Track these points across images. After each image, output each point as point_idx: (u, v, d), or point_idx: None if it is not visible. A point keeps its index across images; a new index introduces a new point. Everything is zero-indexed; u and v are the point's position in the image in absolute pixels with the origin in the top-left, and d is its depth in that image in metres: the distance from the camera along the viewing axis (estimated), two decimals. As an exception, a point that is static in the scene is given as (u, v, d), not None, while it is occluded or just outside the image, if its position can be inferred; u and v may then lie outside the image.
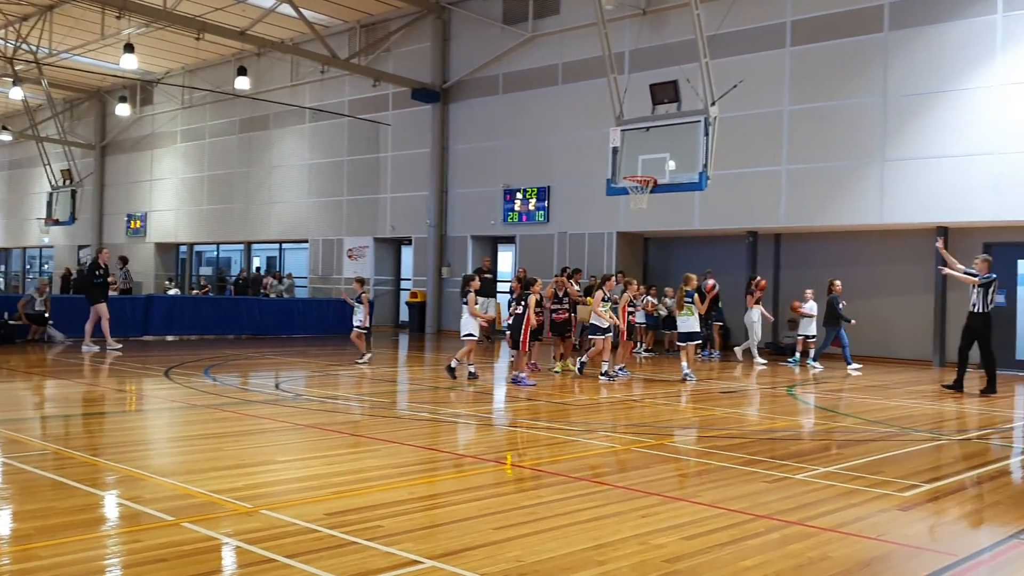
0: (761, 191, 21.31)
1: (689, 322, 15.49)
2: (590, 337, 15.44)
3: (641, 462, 8.17)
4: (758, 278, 20.07)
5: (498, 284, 24.95)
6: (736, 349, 20.19)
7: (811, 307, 19.28)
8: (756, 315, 19.58)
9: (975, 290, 14.29)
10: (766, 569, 4.99)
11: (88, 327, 18.90)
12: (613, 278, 15.96)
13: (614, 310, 15.52)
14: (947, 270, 15.14)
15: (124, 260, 30.63)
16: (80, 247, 43.21)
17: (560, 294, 16.29)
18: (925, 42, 19.28)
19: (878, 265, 21.01)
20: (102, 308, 18.95)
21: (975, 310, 14.30)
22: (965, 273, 14.57)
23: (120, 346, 18.95)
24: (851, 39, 20.23)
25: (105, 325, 18.95)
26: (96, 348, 18.52)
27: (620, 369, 15.77)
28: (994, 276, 14.38)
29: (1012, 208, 18.07)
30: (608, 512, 6.17)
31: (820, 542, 5.55)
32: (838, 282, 18.50)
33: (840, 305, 18.23)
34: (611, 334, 15.23)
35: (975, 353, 14.53)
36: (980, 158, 18.46)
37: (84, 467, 7.30)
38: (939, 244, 15.41)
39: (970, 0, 18.73)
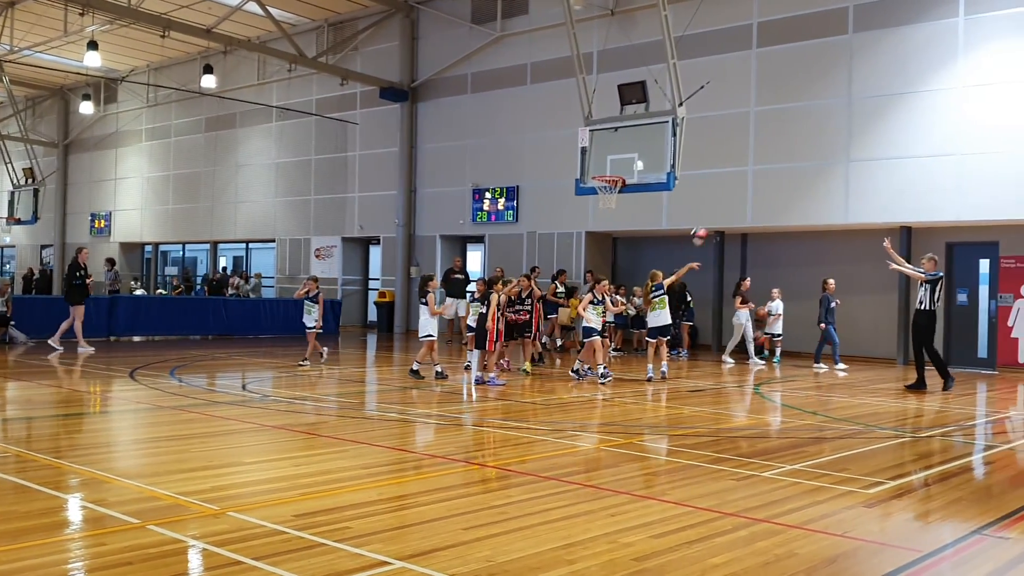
0: (728, 191, 21.45)
1: (660, 316, 15.24)
2: (583, 340, 15.14)
3: (610, 461, 8.20)
4: (747, 279, 19.78)
5: (470, 284, 24.88)
6: (752, 360, 19.45)
7: (777, 306, 19.44)
8: (744, 316, 19.29)
9: (922, 287, 14.53)
10: (734, 566, 5.03)
11: (64, 326, 18.83)
12: (605, 281, 15.62)
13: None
14: (895, 266, 15.34)
15: (111, 262, 30.44)
16: (43, 247, 42.69)
17: (524, 295, 16.09)
18: (889, 44, 19.49)
19: (843, 264, 21.19)
20: (80, 309, 18.87)
21: (921, 307, 14.63)
22: (914, 270, 14.82)
23: (92, 349, 18.76)
24: (816, 41, 20.41)
25: (77, 326, 18.86)
26: (62, 349, 18.32)
27: (589, 369, 15.67)
28: (940, 274, 14.67)
29: (974, 208, 18.32)
30: (577, 511, 6.18)
31: (787, 539, 5.59)
32: (831, 281, 18.45)
33: (832, 304, 18.18)
34: (605, 335, 15.01)
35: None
36: (942, 159, 18.70)
37: (47, 470, 7.21)
38: (886, 243, 15.53)
39: (932, 3, 18.96)
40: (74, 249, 20.82)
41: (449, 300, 22.24)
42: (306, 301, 17.01)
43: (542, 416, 11.23)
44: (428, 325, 14.55)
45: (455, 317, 22.92)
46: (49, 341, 18.46)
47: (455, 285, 23.16)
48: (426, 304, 14.55)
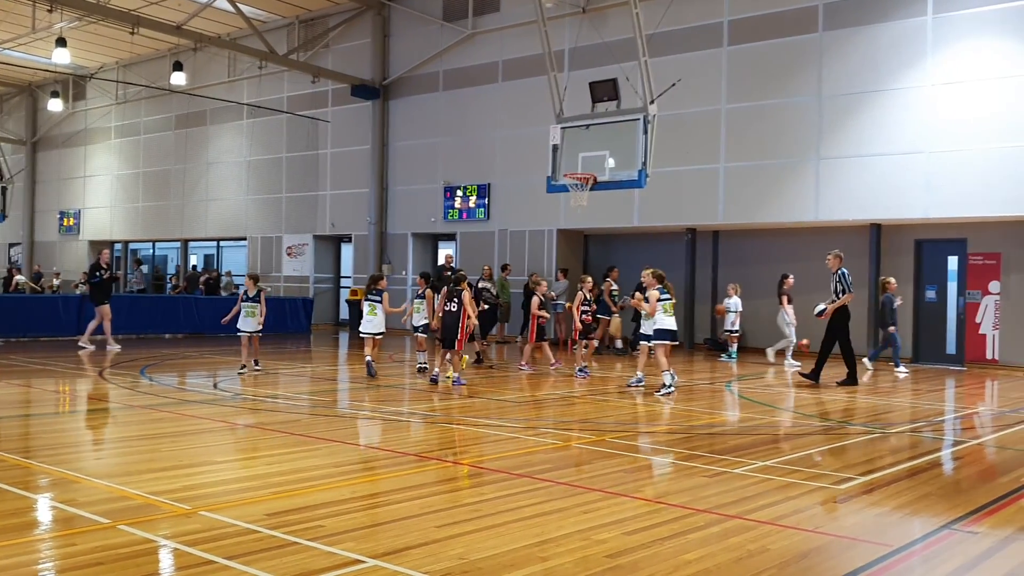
0: (699, 189, 21.55)
1: (669, 320, 13.34)
2: (652, 343, 13.39)
3: (583, 458, 8.21)
4: (789, 277, 18.67)
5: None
6: (768, 350, 18.85)
7: (735, 303, 19.49)
8: (790, 314, 18.36)
9: (835, 285, 14.79)
10: (706, 562, 5.05)
11: (91, 326, 18.97)
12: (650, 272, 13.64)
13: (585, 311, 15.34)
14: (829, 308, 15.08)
15: (139, 262, 30.25)
16: (11, 245, 42.21)
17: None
18: (858, 42, 19.65)
19: (814, 261, 21.22)
20: (103, 309, 18.92)
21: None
22: (834, 300, 14.75)
23: (119, 347, 18.92)
24: (787, 39, 20.55)
25: (106, 324, 18.95)
26: (92, 348, 18.47)
27: (580, 370, 15.33)
28: (844, 271, 14.85)
29: (942, 206, 18.51)
30: (550, 508, 6.19)
31: (759, 535, 5.62)
32: (892, 280, 17.52)
33: (896, 303, 17.26)
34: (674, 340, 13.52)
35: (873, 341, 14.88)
36: (912, 157, 18.87)
37: (16, 470, 7.13)
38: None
39: (901, 2, 19.13)
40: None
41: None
42: (246, 303, 14.80)
43: (515, 413, 11.24)
44: (382, 323, 14.55)
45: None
46: (79, 344, 18.64)
47: (447, 283, 22.71)
48: (379, 302, 14.49)
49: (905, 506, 6.61)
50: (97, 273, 19.11)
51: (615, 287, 19.92)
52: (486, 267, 22.18)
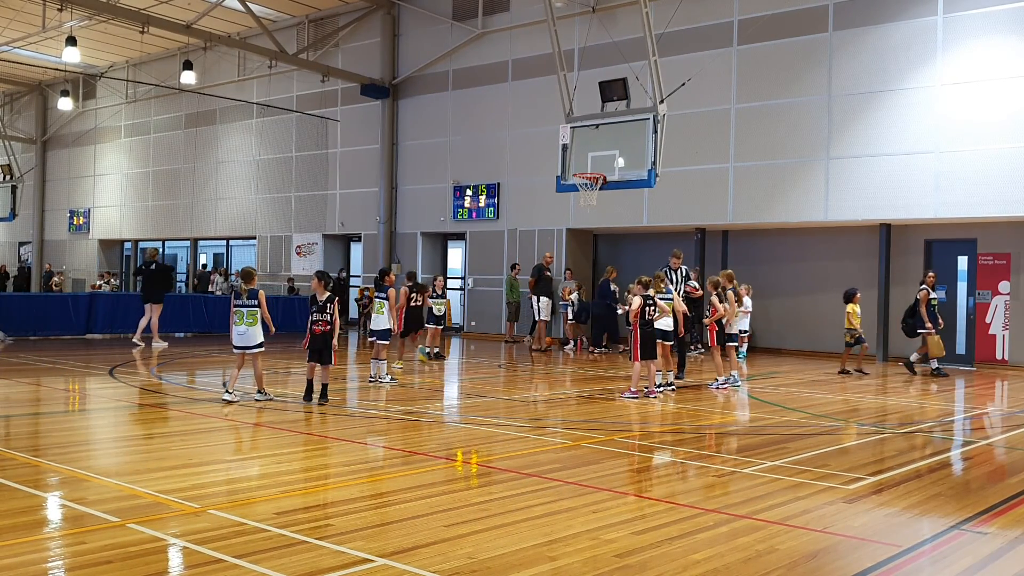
0: (709, 188, 21.50)
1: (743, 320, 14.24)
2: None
3: (591, 458, 8.21)
4: None
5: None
6: None
7: (745, 303, 19.44)
8: None
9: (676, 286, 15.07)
10: (715, 562, 5.05)
11: (143, 324, 19.44)
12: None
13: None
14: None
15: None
16: (21, 243, 42.37)
17: (322, 300, 11.55)
18: (868, 42, 19.58)
19: (823, 261, 21.30)
20: (149, 306, 19.43)
21: None
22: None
23: (142, 345, 19.19)
24: (797, 39, 20.49)
25: (143, 322, 19.42)
26: (165, 344, 19.13)
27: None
28: (680, 272, 15.11)
29: (952, 206, 18.43)
30: (559, 508, 6.19)
31: (768, 535, 5.62)
32: None
33: None
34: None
35: None
36: (921, 157, 18.81)
37: (26, 468, 7.16)
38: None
39: (911, 2, 19.06)
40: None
41: (544, 300, 21.47)
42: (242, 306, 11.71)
43: (523, 413, 11.24)
44: (384, 321, 13.97)
45: (541, 319, 21.80)
46: (153, 344, 19.07)
47: (545, 283, 21.86)
48: (386, 299, 14.08)
49: (915, 506, 6.59)
50: (145, 269, 19.61)
51: (934, 295, 17.28)
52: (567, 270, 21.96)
